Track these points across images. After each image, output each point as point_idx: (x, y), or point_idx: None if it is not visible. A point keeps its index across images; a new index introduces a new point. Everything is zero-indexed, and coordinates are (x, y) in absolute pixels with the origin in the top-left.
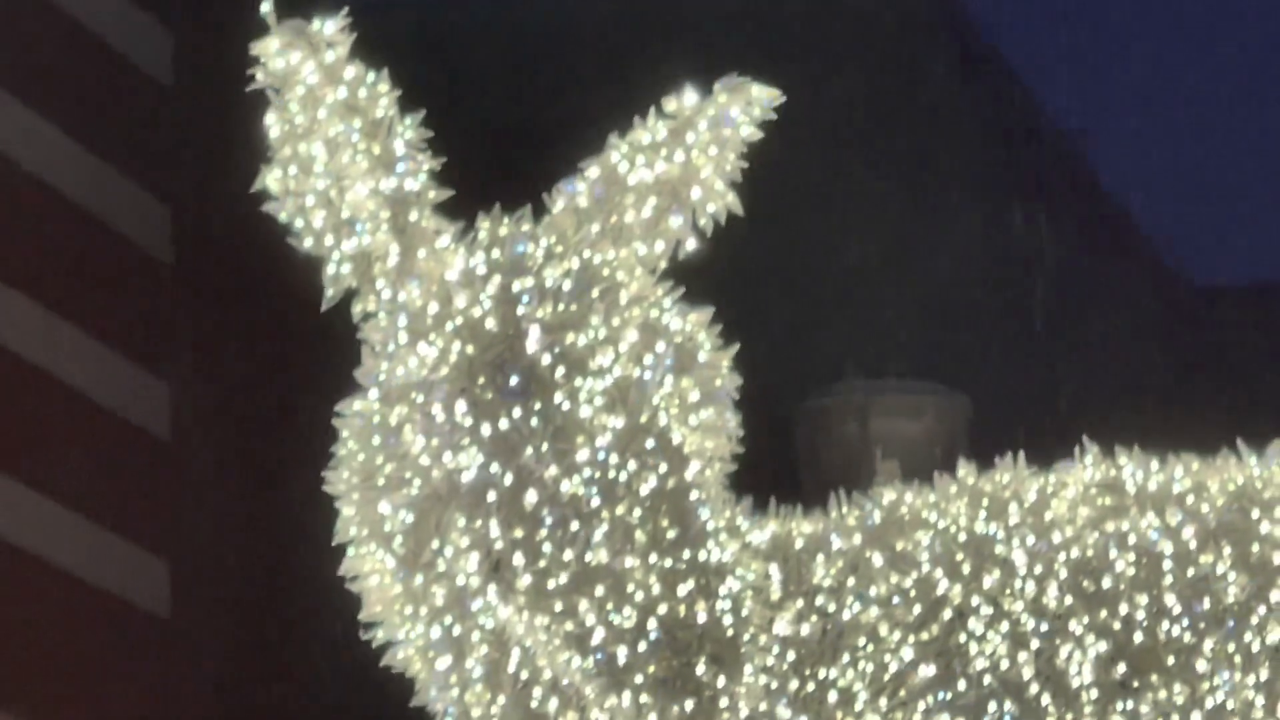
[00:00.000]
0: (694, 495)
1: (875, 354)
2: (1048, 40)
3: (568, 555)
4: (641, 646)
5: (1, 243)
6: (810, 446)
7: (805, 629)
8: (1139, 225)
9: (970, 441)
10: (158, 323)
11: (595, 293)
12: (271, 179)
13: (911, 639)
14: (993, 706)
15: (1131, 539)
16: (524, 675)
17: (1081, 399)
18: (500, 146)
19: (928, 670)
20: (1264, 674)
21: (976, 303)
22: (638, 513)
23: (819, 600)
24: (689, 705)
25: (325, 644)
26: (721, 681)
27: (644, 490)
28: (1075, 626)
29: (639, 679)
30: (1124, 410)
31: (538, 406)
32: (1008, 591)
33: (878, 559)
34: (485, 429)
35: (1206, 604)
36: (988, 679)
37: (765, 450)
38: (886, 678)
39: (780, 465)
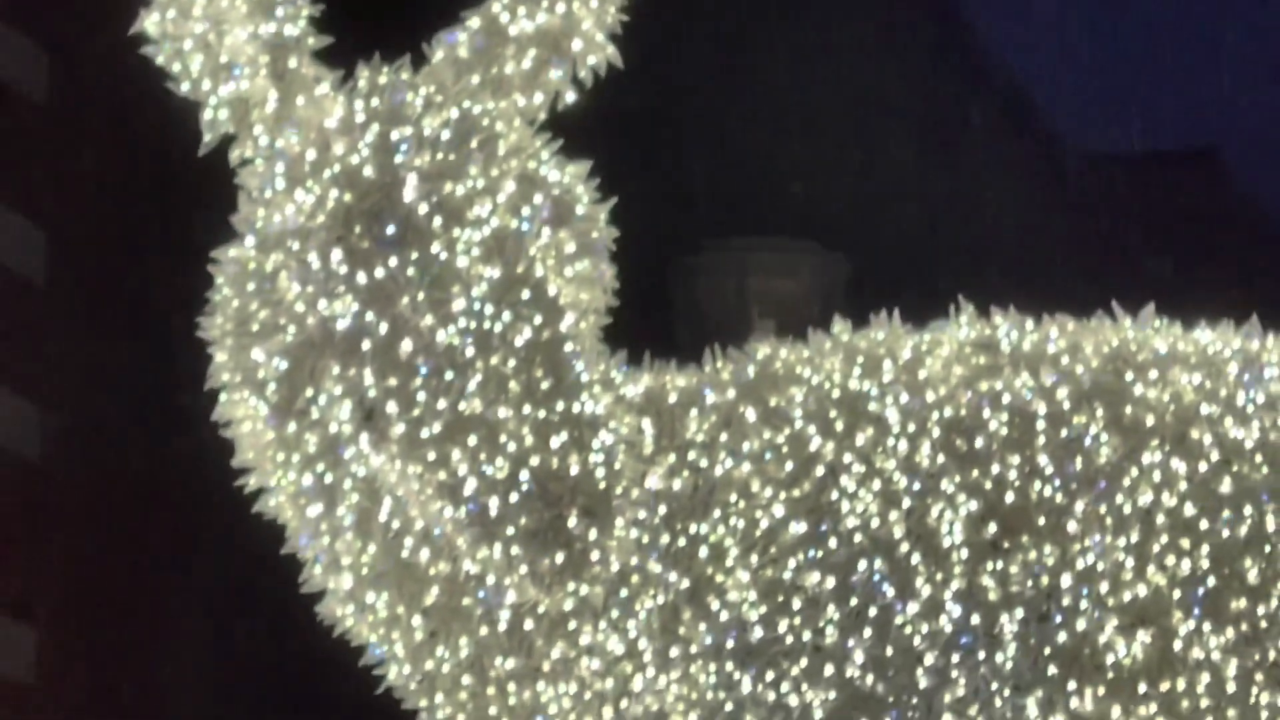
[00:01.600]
0: (569, 347)
1: (754, 212)
2: None
3: (441, 405)
4: (513, 498)
5: None
6: (687, 302)
7: (677, 484)
8: (1027, 91)
9: (846, 300)
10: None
11: (474, 143)
12: (150, 23)
13: (783, 495)
14: (863, 564)
15: (1005, 399)
16: (395, 524)
17: (959, 260)
18: None
19: (799, 527)
20: (1135, 536)
21: (856, 163)
22: (512, 363)
23: (691, 455)
24: (560, 558)
25: None
26: (593, 534)
27: (518, 341)
28: (947, 485)
29: (510, 530)
30: (1001, 272)
31: (414, 256)
32: (880, 449)
33: (751, 414)
34: (361, 277)
35: (1079, 465)
36: (858, 537)
37: (641, 304)
38: (757, 534)
39: (656, 320)
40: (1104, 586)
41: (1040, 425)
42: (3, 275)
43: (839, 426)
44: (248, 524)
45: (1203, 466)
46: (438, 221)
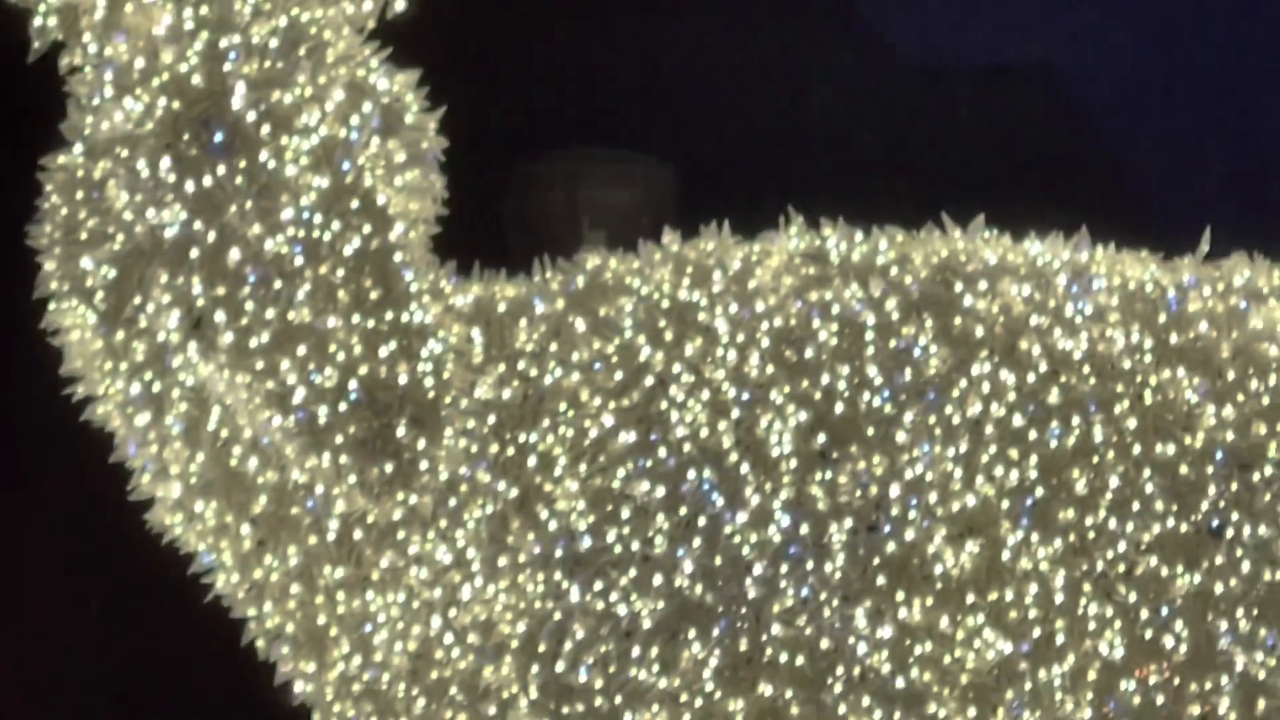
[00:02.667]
0: (398, 257)
1: (585, 123)
2: None
3: (270, 314)
4: (342, 407)
5: None
6: (517, 213)
7: (506, 393)
8: (860, 4)
9: (677, 211)
10: None
11: (302, 51)
12: None
13: (612, 405)
14: (691, 474)
15: (834, 309)
16: (224, 433)
17: (789, 172)
18: None
19: (628, 436)
20: (963, 447)
21: (688, 74)
22: (341, 273)
23: (520, 365)
24: (388, 467)
25: None
26: (421, 444)
27: (347, 250)
28: (776, 396)
29: (339, 439)
30: (832, 185)
31: (242, 164)
32: (709, 359)
33: (580, 324)
34: (189, 185)
35: (908, 376)
36: (687, 446)
37: (472, 214)
38: (586, 443)
39: (487, 230)
40: (932, 497)
41: (869, 336)
42: None
43: (668, 336)
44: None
45: (1031, 377)
46: (266, 130)
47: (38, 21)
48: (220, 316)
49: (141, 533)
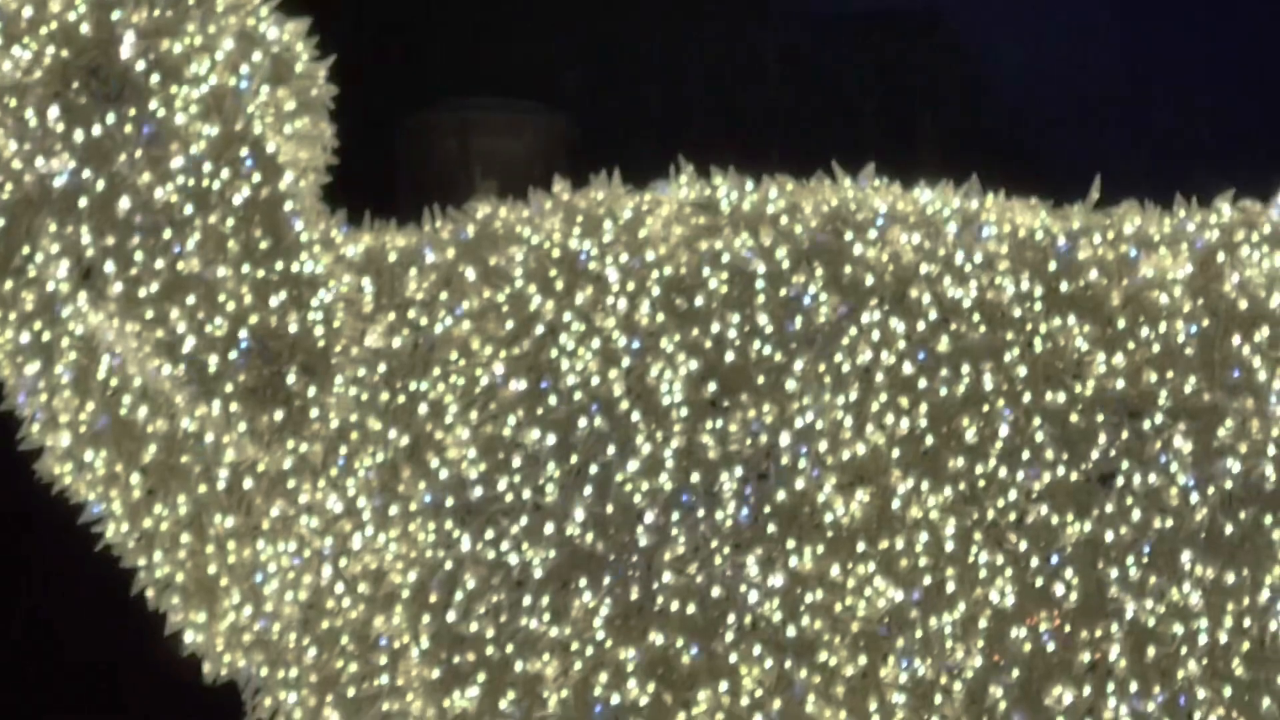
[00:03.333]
0: (288, 205)
1: (478, 72)
2: None
3: (159, 263)
4: (232, 355)
5: None
6: (409, 162)
7: (397, 341)
8: None
9: (569, 160)
10: None
11: (191, 0)
12: None
13: (503, 353)
14: (583, 422)
15: (725, 258)
16: (114, 382)
17: (680, 122)
18: None
19: (518, 385)
20: (853, 395)
21: (580, 23)
22: (230, 222)
23: (411, 313)
24: (279, 415)
25: None
26: (312, 392)
27: (237, 199)
28: (666, 344)
29: (229, 388)
30: (722, 134)
31: (132, 113)
32: (600, 308)
33: (470, 273)
34: (78, 134)
35: (798, 324)
36: (578, 395)
37: (363, 163)
38: (477, 391)
39: (378, 179)
40: (823, 445)
41: (759, 284)
42: None
43: (559, 285)
44: None
45: (921, 325)
46: (155, 79)
47: None
48: (110, 266)
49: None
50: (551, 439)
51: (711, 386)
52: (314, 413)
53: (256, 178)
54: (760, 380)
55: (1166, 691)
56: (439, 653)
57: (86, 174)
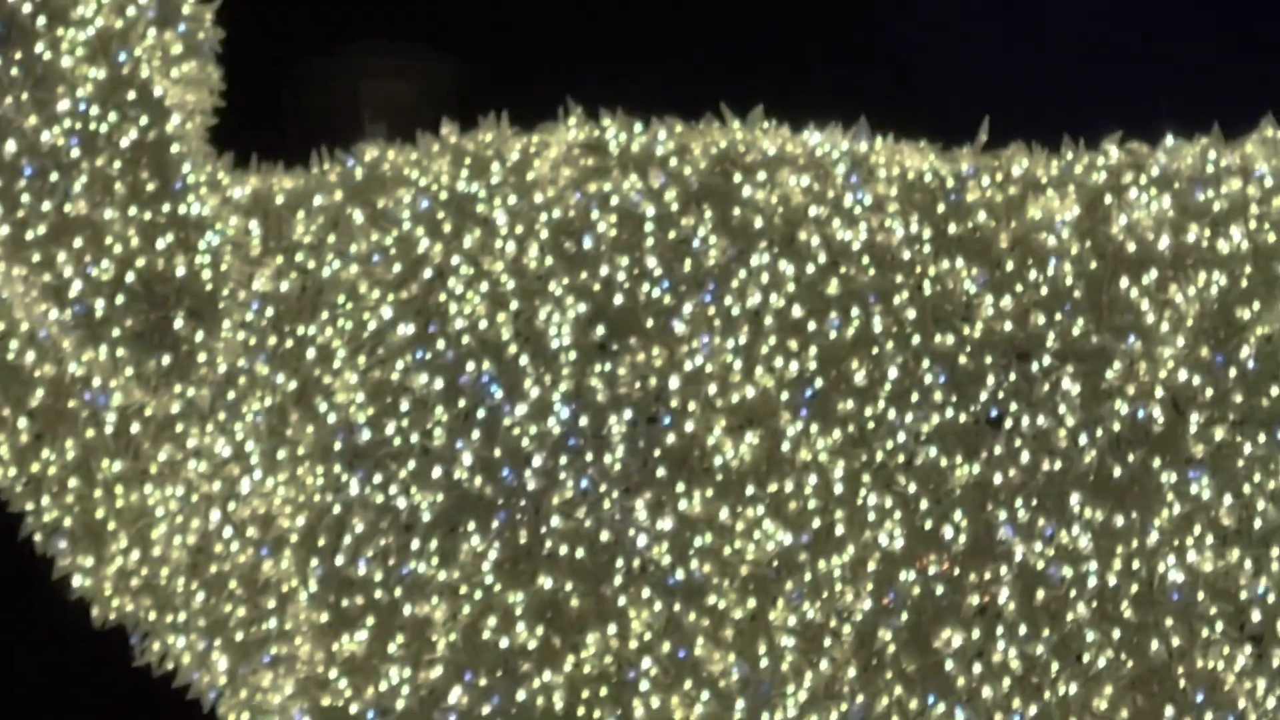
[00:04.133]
0: (175, 149)
1: (367, 16)
2: None
3: (46, 206)
4: (119, 299)
5: None
6: (298, 105)
7: (284, 285)
8: None
9: (458, 103)
10: None
11: None
12: None
13: (391, 297)
14: (470, 366)
15: (613, 200)
16: (0, 326)
17: (568, 64)
18: None
19: (406, 329)
20: (743, 338)
21: None
22: (117, 165)
23: (299, 257)
24: (166, 359)
25: None
26: (199, 336)
27: (124, 142)
28: (555, 287)
29: (116, 332)
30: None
31: (18, 56)
32: (488, 251)
33: (358, 216)
34: None
35: (687, 267)
36: (466, 338)
37: (251, 107)
38: (365, 335)
39: (266, 123)
40: (712, 388)
41: (648, 227)
42: None
43: (446, 228)
44: None
45: (810, 268)
46: (41, 21)
47: None
48: None
49: None
50: (439, 383)
51: (600, 329)
52: (201, 357)
53: (143, 120)
54: (649, 323)
55: (1055, 634)
56: (327, 596)
57: None
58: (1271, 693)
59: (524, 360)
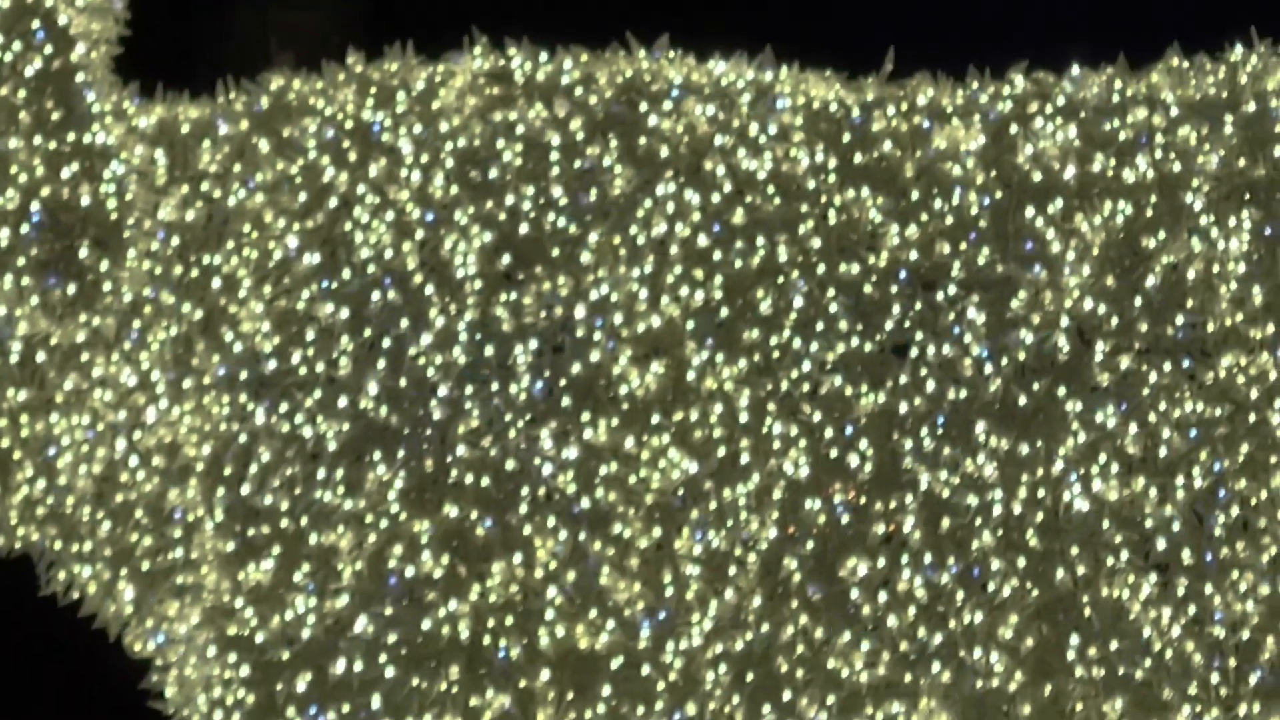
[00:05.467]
0: (80, 77)
1: None
2: None
3: None
4: (24, 229)
5: None
6: (203, 33)
7: (190, 214)
8: None
9: (366, 33)
10: None
11: None
12: None
13: (296, 226)
14: (376, 295)
15: (519, 129)
16: None
17: None
18: None
19: (312, 258)
20: (648, 267)
21: None
22: (22, 94)
23: (204, 186)
24: (70, 288)
25: None
26: (104, 265)
27: (29, 71)
28: (460, 217)
29: (21, 261)
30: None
31: None
32: (393, 180)
33: (264, 145)
34: None
35: (592, 196)
36: (372, 268)
37: (157, 35)
38: (271, 265)
39: (171, 51)
40: (618, 317)
41: (554, 156)
42: None
43: (352, 157)
44: None
45: (716, 198)
46: None
47: None
48: None
49: None
50: (345, 312)
51: (506, 259)
52: (106, 286)
53: (48, 50)
54: (555, 252)
55: (961, 563)
56: (233, 526)
57: None
58: (1176, 621)
59: (429, 289)
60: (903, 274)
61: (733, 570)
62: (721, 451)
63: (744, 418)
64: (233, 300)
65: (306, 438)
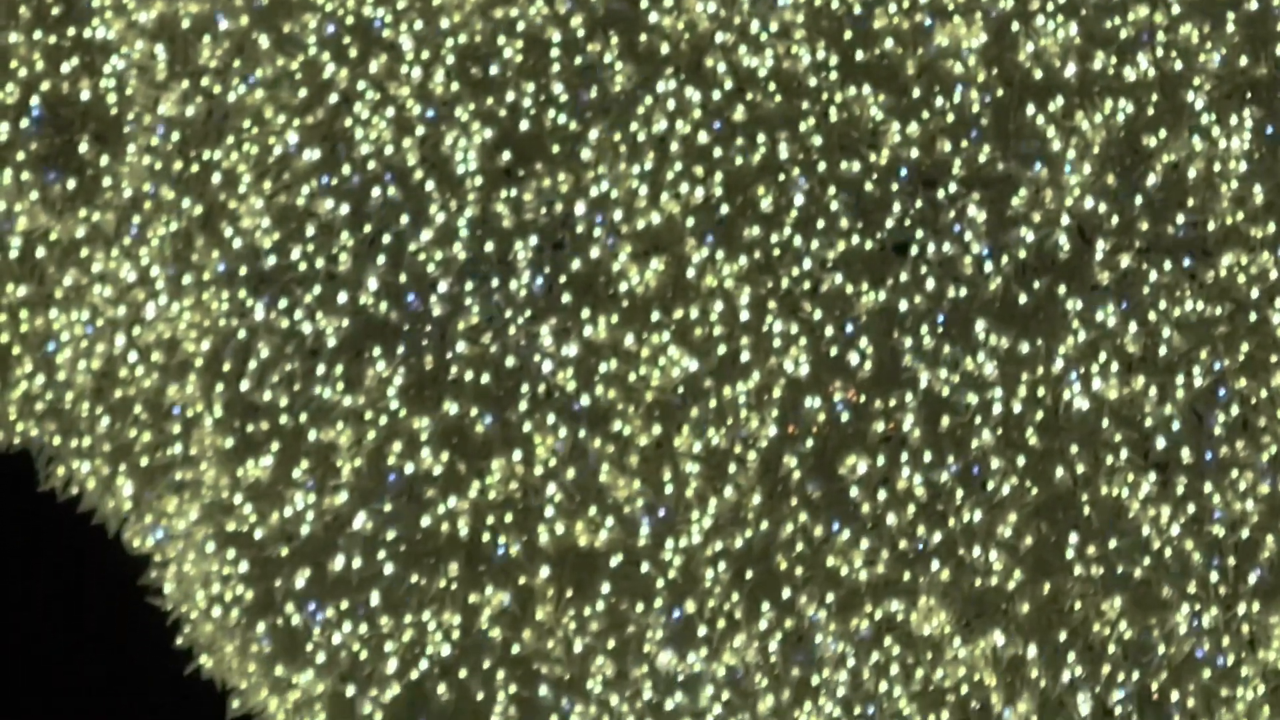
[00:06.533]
0: None
1: None
2: None
3: None
4: (24, 123)
5: None
6: None
7: (190, 110)
8: None
9: None
10: None
11: None
12: None
13: (296, 122)
14: (376, 191)
15: (519, 26)
16: None
17: None
18: None
19: (312, 154)
20: (649, 164)
21: None
22: None
23: (204, 81)
24: (71, 183)
25: None
26: (105, 160)
27: None
28: (461, 113)
29: (21, 156)
30: None
31: None
32: (394, 76)
33: (264, 41)
34: None
35: (593, 93)
36: (372, 164)
37: None
38: (270, 160)
39: None
40: (618, 214)
41: (555, 53)
42: None
43: (352, 53)
44: None
45: (717, 95)
46: None
47: None
48: None
49: None
50: (345, 208)
51: (506, 155)
52: (107, 181)
53: None
54: (555, 149)
55: (960, 461)
56: (232, 421)
57: None
58: (1175, 520)
59: (430, 185)
60: (903, 172)
61: (732, 468)
62: (722, 349)
63: (744, 315)
64: (233, 196)
65: (306, 334)
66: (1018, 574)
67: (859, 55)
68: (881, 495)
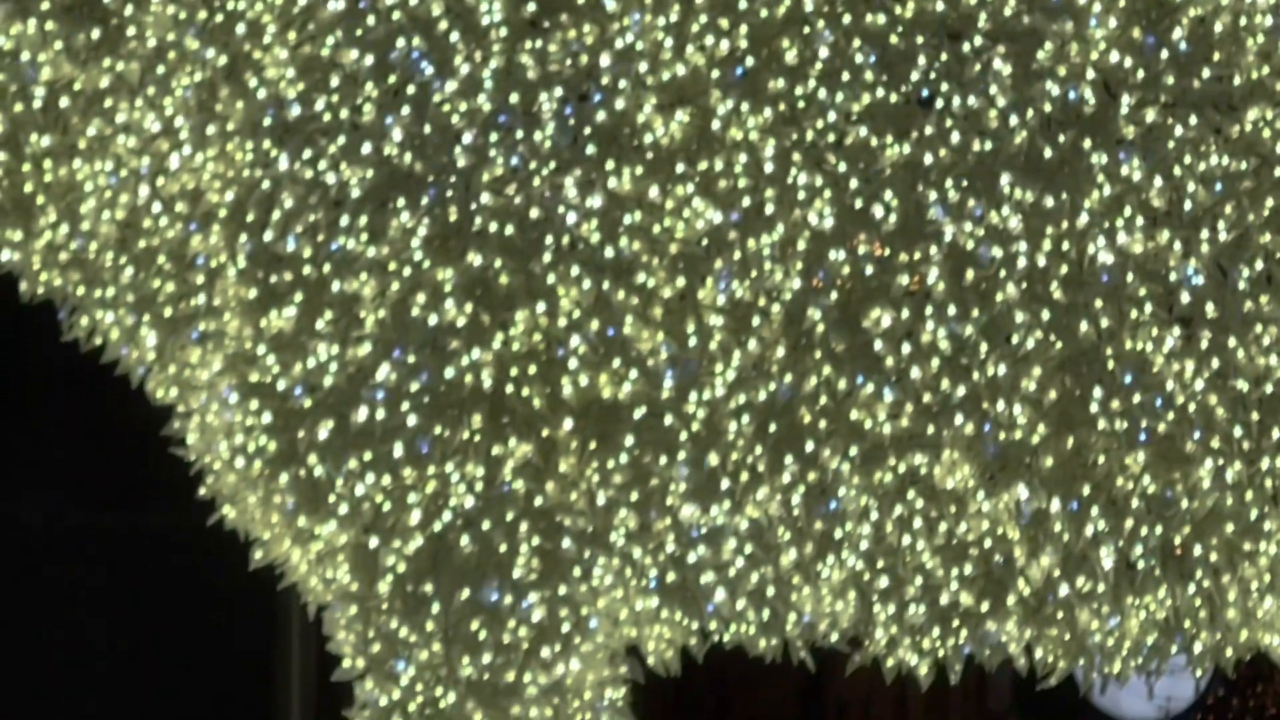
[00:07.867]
0: None
1: None
2: None
3: None
4: None
5: None
6: None
7: None
8: None
9: None
10: None
11: None
12: None
13: None
14: (401, 42)
15: None
16: None
17: None
18: None
19: (336, 4)
20: (674, 16)
21: None
22: None
23: None
24: (95, 32)
25: None
26: (129, 9)
27: None
28: None
29: (44, 5)
30: None
31: None
32: None
33: None
34: None
35: None
36: (397, 14)
37: None
38: (295, 10)
39: None
40: (643, 66)
41: None
42: None
43: None
44: None
45: None
46: None
47: None
48: None
49: None
50: (370, 59)
51: (531, 6)
52: (131, 30)
53: None
54: (580, 0)
55: (984, 315)
56: (256, 272)
57: None
58: (1199, 375)
59: (454, 36)
60: (929, 24)
61: (756, 320)
62: (746, 201)
63: (769, 167)
64: (257, 46)
65: (330, 184)
66: (1041, 428)
67: None
68: (905, 348)
